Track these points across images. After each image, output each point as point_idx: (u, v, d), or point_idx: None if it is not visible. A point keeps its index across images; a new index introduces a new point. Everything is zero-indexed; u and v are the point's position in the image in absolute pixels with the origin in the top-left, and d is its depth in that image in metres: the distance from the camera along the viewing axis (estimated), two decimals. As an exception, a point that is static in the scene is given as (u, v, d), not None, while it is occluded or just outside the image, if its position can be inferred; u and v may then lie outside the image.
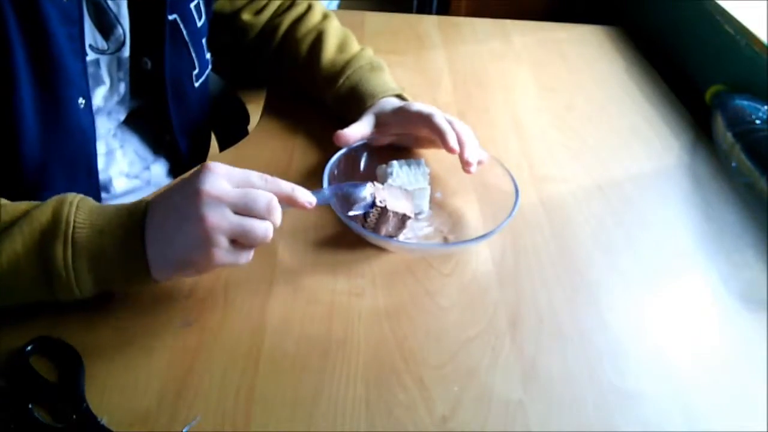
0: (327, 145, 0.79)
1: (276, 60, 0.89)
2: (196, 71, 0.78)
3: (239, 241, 0.52)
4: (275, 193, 0.54)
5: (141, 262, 0.52)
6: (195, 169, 0.53)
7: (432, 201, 0.73)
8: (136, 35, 0.70)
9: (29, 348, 0.53)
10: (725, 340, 0.62)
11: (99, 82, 0.69)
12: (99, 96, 0.70)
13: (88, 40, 0.65)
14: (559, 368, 0.57)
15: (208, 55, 0.81)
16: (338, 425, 0.51)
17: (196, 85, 0.79)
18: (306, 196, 0.57)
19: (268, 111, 0.88)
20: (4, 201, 0.54)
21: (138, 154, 0.81)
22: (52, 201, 0.53)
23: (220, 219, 0.50)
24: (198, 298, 0.60)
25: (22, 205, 0.53)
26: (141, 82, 0.74)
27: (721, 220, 0.76)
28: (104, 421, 0.49)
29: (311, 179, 0.75)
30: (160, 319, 0.58)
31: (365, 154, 0.75)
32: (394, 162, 0.71)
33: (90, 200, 0.54)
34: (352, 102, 0.80)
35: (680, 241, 0.73)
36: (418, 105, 0.74)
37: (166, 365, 0.54)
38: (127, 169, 0.79)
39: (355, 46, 0.87)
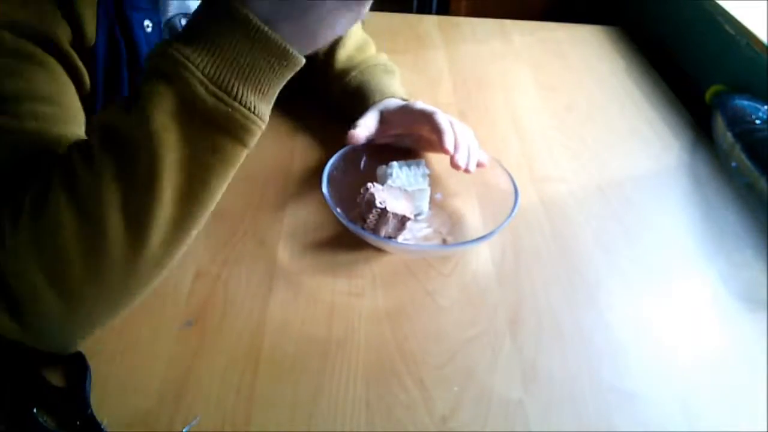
0: (327, 145, 0.79)
1: None
2: None
3: None
4: None
5: (281, 51, 0.47)
6: None
7: (432, 202, 0.73)
8: None
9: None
10: (725, 340, 0.62)
11: None
12: None
13: None
14: (559, 368, 0.57)
15: None
16: (338, 425, 0.51)
17: None
18: None
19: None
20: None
21: None
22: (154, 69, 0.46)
23: None
24: (198, 298, 0.60)
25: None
26: None
27: (721, 220, 0.76)
28: (105, 424, 0.49)
29: (311, 179, 0.75)
30: (160, 319, 0.58)
31: (365, 155, 0.75)
32: (394, 163, 0.71)
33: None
34: (358, 97, 0.80)
35: (680, 241, 0.73)
36: (421, 104, 0.74)
37: (166, 365, 0.54)
38: None
39: (373, 49, 0.88)
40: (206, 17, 0.46)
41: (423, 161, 0.73)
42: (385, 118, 0.77)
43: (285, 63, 0.47)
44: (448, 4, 1.75)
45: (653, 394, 0.56)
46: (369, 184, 0.66)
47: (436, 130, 0.70)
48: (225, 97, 0.45)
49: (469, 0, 1.70)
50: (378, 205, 0.63)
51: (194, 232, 0.50)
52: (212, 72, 0.45)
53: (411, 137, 0.77)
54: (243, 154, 0.48)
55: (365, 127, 0.75)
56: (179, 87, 0.45)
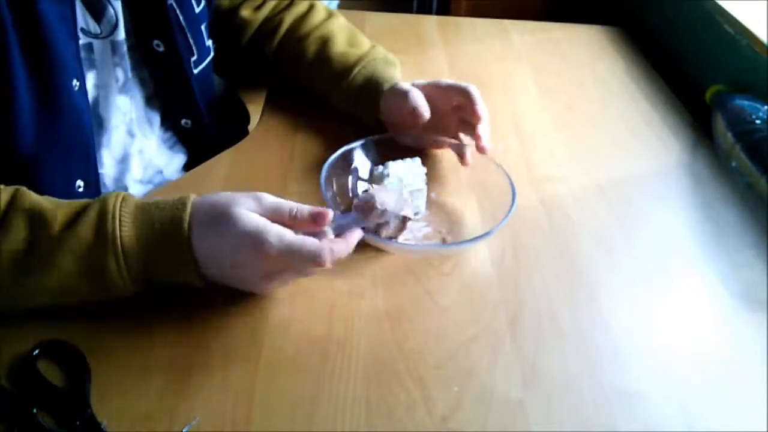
0: (327, 144, 0.79)
1: (277, 59, 0.89)
2: (194, 57, 0.77)
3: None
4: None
5: (192, 270, 0.55)
6: (251, 225, 0.53)
7: (431, 201, 0.73)
8: (139, 19, 0.71)
9: (36, 351, 0.53)
10: (725, 340, 0.62)
11: (92, 66, 0.69)
12: (90, 82, 0.69)
13: (80, 23, 0.65)
14: (559, 368, 0.57)
15: (208, 42, 0.80)
16: (338, 425, 0.51)
17: (195, 71, 0.78)
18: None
19: (268, 111, 0.88)
20: (42, 202, 0.55)
21: (152, 160, 0.81)
22: (93, 212, 0.54)
23: (276, 283, 0.57)
24: (198, 298, 0.60)
25: (63, 209, 0.54)
26: (157, 67, 0.75)
27: (721, 220, 0.76)
28: (105, 424, 0.49)
29: (311, 179, 0.75)
30: (160, 319, 0.58)
31: (361, 154, 0.75)
32: (390, 163, 0.71)
33: (129, 203, 0.55)
34: (367, 91, 0.79)
35: (680, 240, 0.73)
36: (450, 80, 0.77)
37: (166, 365, 0.54)
38: (141, 175, 0.79)
39: (366, 42, 0.87)
40: (160, 209, 0.55)
41: (419, 159, 0.73)
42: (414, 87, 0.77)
43: (187, 278, 0.56)
44: (448, 4, 1.75)
45: (653, 394, 0.56)
46: (367, 185, 0.66)
47: (470, 99, 0.73)
48: (125, 271, 0.53)
49: (469, 0, 1.71)
50: (379, 206, 0.63)
51: None
52: (130, 250, 0.53)
53: (412, 136, 0.77)
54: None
55: (421, 97, 0.74)
56: (96, 253, 0.52)
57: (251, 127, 0.92)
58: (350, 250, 0.58)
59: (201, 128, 0.83)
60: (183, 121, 0.82)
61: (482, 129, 0.73)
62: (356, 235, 0.59)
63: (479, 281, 0.65)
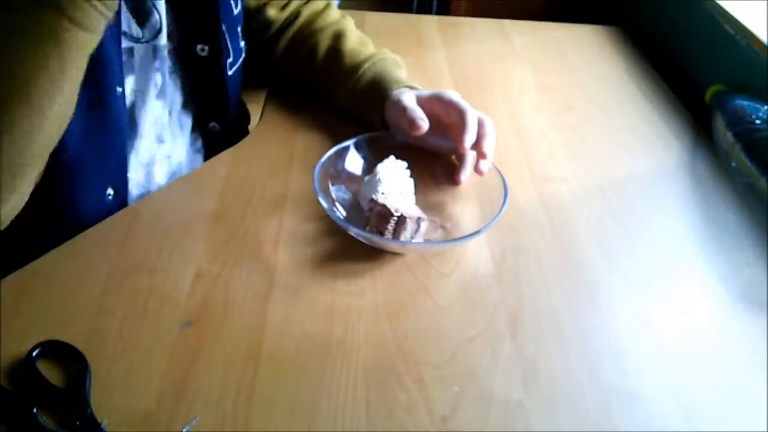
0: (327, 144, 0.79)
1: (291, 49, 0.90)
2: (230, 59, 0.78)
3: None
4: None
5: None
6: None
7: (431, 201, 0.73)
8: (185, 23, 0.71)
9: (36, 351, 0.53)
10: (725, 340, 0.62)
11: (130, 71, 0.69)
12: (128, 87, 0.69)
13: (123, 26, 0.65)
14: (559, 368, 0.57)
15: (242, 43, 0.81)
16: (338, 425, 0.51)
17: (230, 73, 0.79)
18: None
19: (268, 111, 0.89)
20: None
21: (179, 164, 0.81)
22: None
23: None
24: (198, 298, 0.60)
25: None
26: (196, 71, 0.75)
27: (721, 220, 0.76)
28: (105, 424, 0.49)
29: (310, 179, 0.75)
30: (160, 319, 0.58)
31: (353, 152, 0.75)
32: (378, 168, 0.71)
33: None
34: (374, 89, 0.80)
35: (680, 241, 0.73)
36: (456, 95, 0.75)
37: (166, 365, 0.54)
38: (164, 180, 0.79)
39: (373, 46, 0.89)
40: None
41: (392, 156, 0.72)
42: (419, 102, 0.77)
43: None
44: (448, 4, 1.75)
45: (653, 394, 0.56)
46: (374, 196, 0.66)
47: (462, 126, 0.71)
48: None
49: (469, 0, 1.71)
50: (395, 213, 0.63)
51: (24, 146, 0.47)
52: None
53: (405, 134, 0.77)
54: (71, 36, 0.45)
55: (419, 110, 0.74)
56: None
57: (251, 127, 0.92)
58: None
59: (226, 131, 0.83)
60: (211, 125, 0.82)
61: (487, 146, 0.71)
62: None
63: (479, 281, 0.65)
